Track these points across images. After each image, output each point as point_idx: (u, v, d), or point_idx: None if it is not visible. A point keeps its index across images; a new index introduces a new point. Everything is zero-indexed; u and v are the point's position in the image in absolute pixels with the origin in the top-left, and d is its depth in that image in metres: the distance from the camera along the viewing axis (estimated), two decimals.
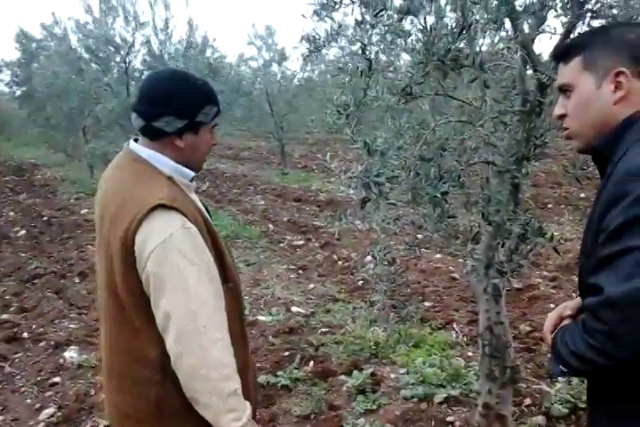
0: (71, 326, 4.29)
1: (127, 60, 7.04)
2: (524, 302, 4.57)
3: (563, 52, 1.23)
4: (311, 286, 4.89)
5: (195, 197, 1.56)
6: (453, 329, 3.76)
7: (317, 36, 2.62)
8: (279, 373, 3.17)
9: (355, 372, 3.05)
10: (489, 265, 2.53)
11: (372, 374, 3.09)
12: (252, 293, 4.83)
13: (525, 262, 2.15)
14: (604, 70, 1.13)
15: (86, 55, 7.62)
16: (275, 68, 13.17)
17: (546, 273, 5.01)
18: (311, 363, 3.31)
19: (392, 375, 3.08)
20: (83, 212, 8.51)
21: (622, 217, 0.99)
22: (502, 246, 2.27)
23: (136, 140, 1.53)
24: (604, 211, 1.05)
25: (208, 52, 7.53)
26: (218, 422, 1.39)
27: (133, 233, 1.35)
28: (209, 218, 1.53)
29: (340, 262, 5.76)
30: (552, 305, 4.41)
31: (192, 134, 1.48)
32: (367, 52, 2.51)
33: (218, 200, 9.47)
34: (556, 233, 5.72)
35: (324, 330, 3.81)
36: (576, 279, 4.37)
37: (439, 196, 2.02)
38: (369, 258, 6.14)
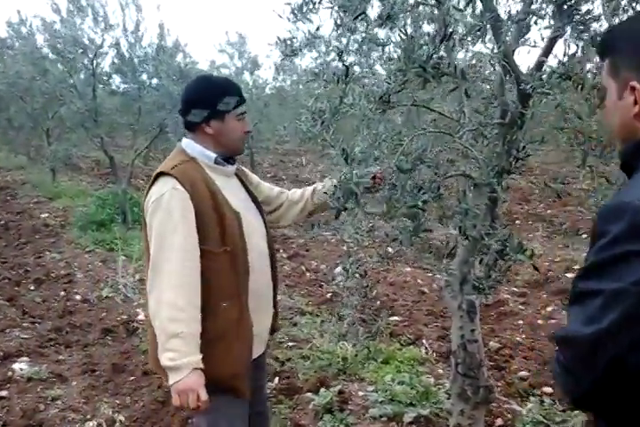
0: (23, 336, 4.08)
1: (95, 61, 6.83)
2: (493, 318, 4.51)
3: (599, 51, 1.14)
4: (278, 297, 4.75)
5: (224, 178, 1.90)
6: (423, 345, 3.68)
7: (294, 40, 2.54)
8: None
9: (322, 389, 2.93)
10: (464, 281, 2.45)
11: (340, 392, 2.97)
12: None
13: (502, 279, 2.07)
14: (624, 81, 1.03)
15: (52, 55, 7.38)
16: (246, 76, 13.07)
17: (514, 289, 4.97)
18: (276, 379, 3.18)
19: (360, 393, 2.97)
20: (42, 216, 8.21)
21: (596, 257, 0.94)
22: (480, 262, 2.19)
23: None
24: (594, 239, 0.97)
25: (179, 57, 7.39)
26: (160, 356, 1.68)
27: (145, 198, 1.81)
28: (220, 192, 1.82)
29: (308, 274, 5.65)
30: (521, 321, 4.37)
31: (218, 122, 1.87)
32: (344, 58, 2.44)
33: None
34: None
35: (290, 344, 3.69)
36: (544, 296, 4.33)
37: (420, 204, 1.94)
38: (338, 270, 6.04)
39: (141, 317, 4.27)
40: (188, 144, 1.90)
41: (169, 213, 1.71)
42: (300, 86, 14.16)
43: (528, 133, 2.02)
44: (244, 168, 2.15)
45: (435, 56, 1.90)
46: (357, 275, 2.57)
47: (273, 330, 2.12)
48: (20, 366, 3.50)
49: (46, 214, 8.25)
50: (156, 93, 7.00)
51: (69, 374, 3.44)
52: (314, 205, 2.17)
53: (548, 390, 3.05)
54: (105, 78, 7.39)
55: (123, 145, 9.23)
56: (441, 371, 3.28)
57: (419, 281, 5.34)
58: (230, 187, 1.91)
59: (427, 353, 3.56)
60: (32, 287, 5.21)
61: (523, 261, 2.00)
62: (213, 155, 1.88)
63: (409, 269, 5.90)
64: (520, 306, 4.65)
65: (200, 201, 1.75)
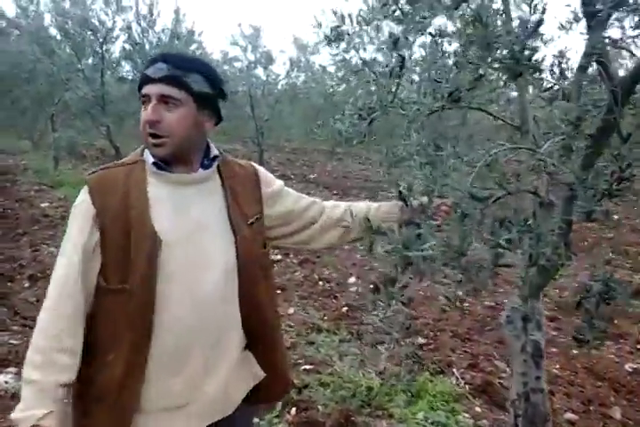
0: (12, 341, 3.70)
1: (104, 46, 6.45)
2: None
3: None
4: (290, 310, 4.39)
5: (176, 187, 1.41)
6: (454, 375, 3.31)
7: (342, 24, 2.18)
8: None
9: None
10: (527, 317, 2.10)
11: None
12: None
13: (608, 329, 1.69)
14: None
15: (59, 36, 7.00)
16: (259, 71, 12.70)
17: (545, 312, 4.59)
18: (293, 410, 2.81)
19: None
20: (42, 205, 7.84)
21: None
22: (577, 306, 1.80)
23: None
24: None
25: (193, 46, 7.00)
26: None
27: None
28: (145, 208, 1.35)
29: (320, 283, 5.29)
30: (554, 349, 4.01)
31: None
32: (399, 48, 2.08)
33: None
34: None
35: (307, 367, 3.31)
36: (577, 321, 3.87)
37: (504, 244, 1.57)
38: (352, 280, 5.69)
39: None
40: None
41: (68, 230, 1.39)
42: (313, 84, 13.81)
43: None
44: (259, 171, 1.62)
45: (528, 45, 1.54)
46: (400, 302, 2.20)
47: (272, 396, 1.64)
48: (6, 379, 3.13)
49: (46, 204, 7.88)
50: None
51: None
52: (364, 232, 1.62)
53: None
54: (114, 65, 7.01)
55: (130, 134, 8.86)
56: (478, 409, 2.91)
57: (440, 298, 4.97)
58: (179, 198, 1.40)
59: (458, 384, 3.20)
60: (26, 284, 4.83)
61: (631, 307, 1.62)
62: (152, 158, 1.41)
63: (426, 282, 5.54)
64: (552, 331, 4.28)
65: (110, 219, 1.34)
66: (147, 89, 1.35)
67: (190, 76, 1.35)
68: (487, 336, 4.22)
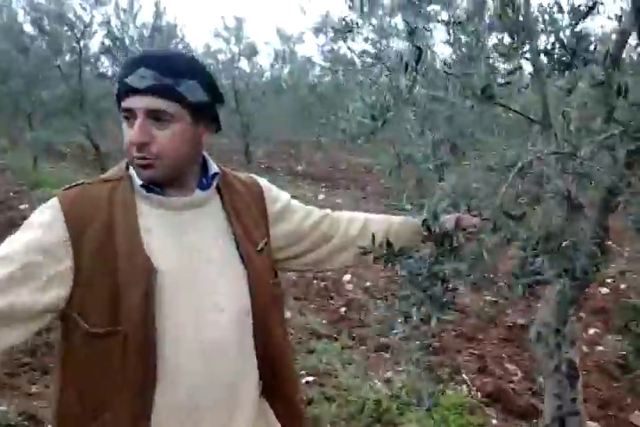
0: None
1: (82, 41, 6.17)
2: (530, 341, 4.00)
3: None
4: (288, 314, 4.21)
5: (166, 213, 1.16)
6: (465, 382, 3.15)
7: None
8: None
9: None
10: (558, 332, 1.92)
11: None
12: None
13: None
14: None
15: (34, 32, 6.70)
16: (243, 63, 12.44)
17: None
18: None
19: None
20: (22, 207, 7.56)
21: None
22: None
23: None
24: None
25: (175, 40, 6.74)
26: None
27: None
28: (134, 232, 1.11)
29: (315, 282, 5.11)
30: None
31: None
32: (415, 38, 1.89)
33: None
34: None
35: (309, 379, 3.13)
36: (582, 315, 3.66)
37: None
38: (347, 277, 5.51)
39: None
40: None
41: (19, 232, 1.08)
42: (297, 76, 13.56)
43: None
44: (263, 186, 1.38)
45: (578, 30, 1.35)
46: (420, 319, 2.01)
47: None
48: None
49: (26, 205, 7.59)
50: None
51: (47, 414, 2.82)
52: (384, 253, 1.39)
53: None
54: (93, 60, 6.74)
55: (112, 132, 8.58)
56: (495, 421, 2.75)
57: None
58: (174, 225, 1.16)
59: (470, 393, 3.03)
60: None
61: None
62: (139, 181, 1.16)
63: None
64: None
65: (88, 249, 1.07)
66: (129, 102, 1.09)
67: (182, 84, 1.10)
68: (493, 335, 4.07)
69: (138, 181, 1.15)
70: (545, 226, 1.72)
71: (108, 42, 6.60)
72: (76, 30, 6.23)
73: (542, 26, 1.55)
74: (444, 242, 1.44)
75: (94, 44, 6.49)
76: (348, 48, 9.15)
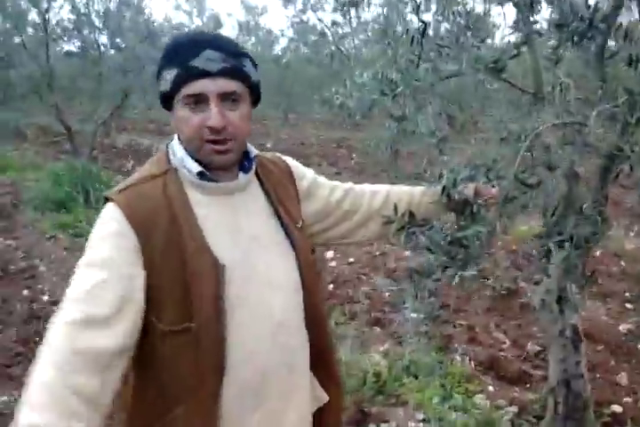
0: None
1: (47, 16, 5.94)
2: (514, 311, 4.11)
3: None
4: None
5: (220, 199, 1.17)
6: (457, 351, 3.23)
7: None
8: None
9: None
10: (561, 299, 1.99)
11: (383, 421, 2.50)
12: None
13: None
14: None
15: None
16: None
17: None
18: None
19: (410, 424, 2.49)
20: None
21: None
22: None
23: None
24: None
25: (146, 13, 6.55)
26: None
27: None
28: (198, 231, 1.11)
29: None
30: None
31: (168, 110, 1.16)
32: (421, 13, 1.89)
33: None
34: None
35: None
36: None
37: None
38: (330, 254, 5.54)
39: None
40: (173, 146, 1.19)
41: (96, 255, 1.06)
42: (259, 48, 13.35)
43: None
44: (291, 164, 1.38)
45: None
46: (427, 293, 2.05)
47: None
48: None
49: None
50: (119, 55, 6.21)
51: None
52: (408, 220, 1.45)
53: (618, 409, 2.65)
54: (55, 37, 6.51)
55: (80, 113, 8.33)
56: (491, 388, 2.84)
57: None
58: (228, 212, 1.18)
59: (462, 361, 3.12)
60: None
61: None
62: (196, 168, 1.14)
63: (408, 253, 5.45)
64: None
65: (157, 248, 1.08)
66: (199, 86, 1.07)
67: (246, 64, 1.12)
68: (477, 305, 4.17)
69: (192, 169, 1.14)
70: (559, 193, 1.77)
71: (73, 17, 6.38)
72: (39, 5, 5.99)
73: None
74: (465, 210, 1.48)
75: (60, 19, 6.26)
76: (318, 19, 9.08)
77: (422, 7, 1.71)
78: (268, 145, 13.53)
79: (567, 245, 1.75)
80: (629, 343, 3.51)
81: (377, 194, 1.47)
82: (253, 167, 1.23)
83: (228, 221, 1.17)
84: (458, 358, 3.15)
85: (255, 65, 1.16)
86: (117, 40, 6.02)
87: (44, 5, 5.87)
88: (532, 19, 1.64)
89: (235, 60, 1.10)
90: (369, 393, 2.72)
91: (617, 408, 2.61)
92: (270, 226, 1.23)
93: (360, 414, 2.55)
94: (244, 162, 1.22)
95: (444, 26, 2.08)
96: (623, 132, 1.51)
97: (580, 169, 1.94)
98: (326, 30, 8.05)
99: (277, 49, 13.38)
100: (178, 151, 1.17)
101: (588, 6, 1.31)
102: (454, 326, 3.71)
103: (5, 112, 7.60)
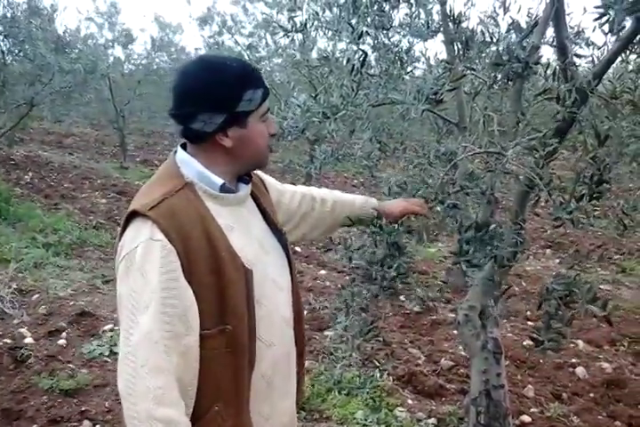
0: None
1: None
2: (426, 327, 4.28)
3: None
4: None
5: (232, 209, 1.31)
6: (375, 367, 3.32)
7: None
8: None
9: None
10: (483, 313, 2.12)
11: None
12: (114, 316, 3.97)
13: (566, 331, 1.70)
14: None
15: None
16: (118, 50, 11.88)
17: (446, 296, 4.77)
18: None
19: None
20: None
21: None
22: (539, 308, 1.81)
23: (184, 146, 1.33)
24: None
25: (57, 23, 6.31)
26: None
27: (118, 242, 1.24)
28: (225, 238, 1.24)
29: None
30: (455, 331, 4.18)
31: (239, 128, 1.27)
32: (361, 42, 1.98)
33: (47, 195, 8.08)
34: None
35: None
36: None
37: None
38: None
39: (29, 340, 3.48)
40: (187, 162, 1.28)
41: (143, 277, 1.15)
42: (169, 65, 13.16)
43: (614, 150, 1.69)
44: (260, 174, 1.54)
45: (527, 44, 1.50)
46: (359, 309, 2.13)
47: None
48: None
49: None
50: (24, 64, 5.95)
51: None
52: (348, 221, 1.72)
53: (527, 419, 2.83)
54: None
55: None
56: (410, 401, 2.94)
57: (339, 285, 4.98)
58: (242, 221, 1.32)
59: (381, 377, 3.21)
60: None
61: (594, 312, 1.65)
62: (219, 180, 1.28)
63: (324, 271, 5.54)
64: (450, 314, 4.46)
65: (194, 258, 1.18)
66: (267, 104, 1.31)
67: None
68: (392, 322, 4.31)
69: (217, 182, 1.27)
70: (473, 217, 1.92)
71: None
72: None
73: (486, 38, 1.70)
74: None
75: None
76: (235, 42, 9.14)
77: (354, 38, 1.81)
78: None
79: (490, 263, 1.89)
80: (532, 358, 3.75)
81: (325, 203, 1.68)
82: (252, 178, 1.40)
83: (242, 229, 1.30)
84: (377, 372, 3.24)
85: None
86: (25, 47, 5.75)
87: None
88: (466, 56, 1.76)
89: None
90: None
91: (526, 418, 2.79)
92: (268, 232, 1.40)
93: None
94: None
95: (374, 56, 2.21)
96: (537, 163, 1.66)
97: (498, 195, 2.11)
98: (243, 53, 8.11)
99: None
100: (195, 167, 1.27)
101: (523, 47, 1.44)
102: (372, 343, 3.82)
103: None
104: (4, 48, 6.10)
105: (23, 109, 6.10)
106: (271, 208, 1.46)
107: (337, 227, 1.73)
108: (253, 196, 1.41)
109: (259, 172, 1.51)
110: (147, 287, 1.14)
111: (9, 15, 5.80)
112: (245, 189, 1.36)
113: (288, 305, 1.40)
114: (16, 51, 5.96)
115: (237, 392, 1.25)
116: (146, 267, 1.14)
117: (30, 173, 9.55)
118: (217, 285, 1.19)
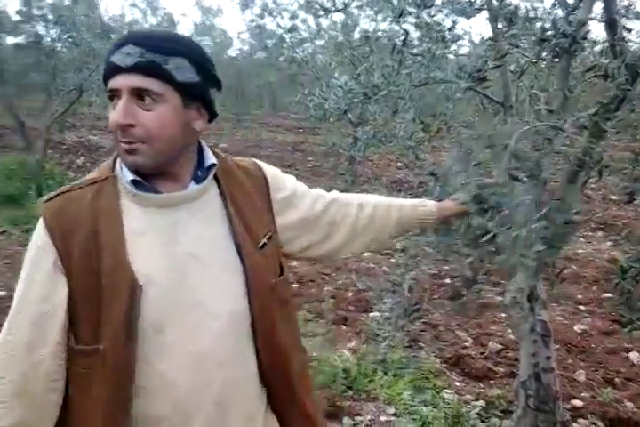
0: None
1: None
2: (473, 310, 4.23)
3: None
4: None
5: (160, 212, 1.07)
6: (421, 348, 3.31)
7: None
8: None
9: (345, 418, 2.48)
10: (531, 297, 2.08)
11: (356, 414, 2.54)
12: None
13: None
14: None
15: None
16: None
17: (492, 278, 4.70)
18: None
19: (382, 418, 2.55)
20: None
21: None
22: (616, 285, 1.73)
23: None
24: None
25: (102, 9, 6.42)
26: None
27: None
28: (121, 244, 1.03)
29: None
30: (503, 314, 4.12)
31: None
32: (402, 21, 1.94)
33: None
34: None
35: None
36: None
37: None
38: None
39: None
40: None
41: (22, 272, 1.05)
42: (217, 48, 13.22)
43: None
44: (267, 172, 1.25)
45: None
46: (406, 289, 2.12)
47: None
48: None
49: None
50: (72, 50, 6.07)
51: None
52: (403, 229, 1.40)
53: (578, 403, 2.78)
54: (7, 29, 6.32)
55: (31, 108, 8.10)
56: (458, 384, 2.92)
57: (384, 268, 4.98)
58: (165, 227, 1.07)
59: (428, 357, 3.20)
60: None
61: None
62: (129, 176, 1.06)
63: (368, 253, 5.53)
64: (499, 297, 4.39)
65: (75, 263, 1.02)
66: (115, 81, 1.01)
67: (172, 62, 1.01)
68: (435, 305, 4.28)
69: (127, 178, 1.06)
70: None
71: (24, 8, 6.20)
72: None
73: (530, 14, 1.65)
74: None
75: (11, 10, 6.06)
76: (278, 25, 9.09)
77: (395, 17, 1.76)
78: (223, 145, 13.45)
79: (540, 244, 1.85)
80: (584, 342, 3.67)
81: (364, 207, 1.35)
82: (210, 177, 1.13)
83: (162, 236, 1.06)
84: (424, 354, 3.23)
85: (198, 65, 1.05)
86: (73, 34, 5.86)
87: None
88: (510, 33, 1.71)
89: (157, 56, 1.00)
90: (340, 389, 2.76)
91: (577, 403, 2.74)
92: (221, 244, 1.10)
93: (332, 408, 2.59)
94: (196, 171, 1.12)
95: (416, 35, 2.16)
96: (591, 139, 1.60)
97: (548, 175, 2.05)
98: (284, 35, 8.07)
99: (232, 52, 13.32)
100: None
101: (570, 22, 1.39)
102: (418, 325, 3.80)
103: None
104: (55, 35, 6.24)
105: (73, 95, 6.21)
106: (254, 216, 1.16)
107: (387, 235, 1.39)
108: (225, 198, 1.14)
109: (267, 167, 1.27)
110: (20, 283, 1.04)
111: (46, 5, 5.94)
112: (192, 190, 1.10)
113: (227, 338, 1.07)
114: (64, 37, 6.08)
115: (109, 423, 1.02)
116: (25, 264, 1.05)
117: (82, 158, 9.82)
118: (96, 296, 1.01)
